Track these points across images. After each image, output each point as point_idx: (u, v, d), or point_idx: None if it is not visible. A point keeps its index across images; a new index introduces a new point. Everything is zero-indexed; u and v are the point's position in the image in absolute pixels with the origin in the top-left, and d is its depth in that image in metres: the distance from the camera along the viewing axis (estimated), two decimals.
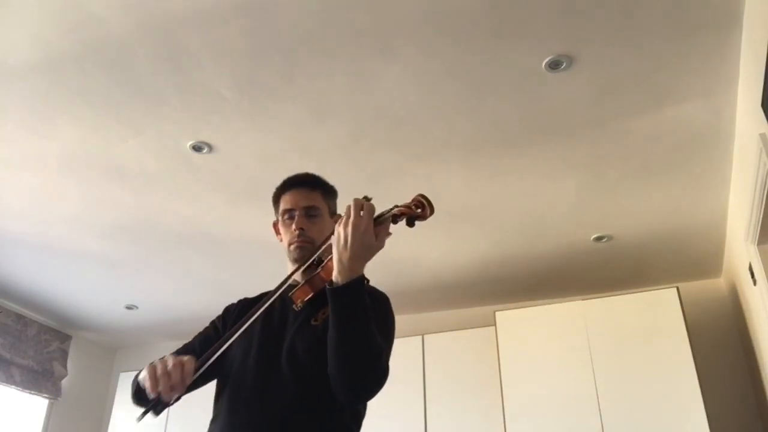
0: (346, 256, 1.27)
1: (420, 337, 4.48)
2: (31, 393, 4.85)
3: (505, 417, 3.86)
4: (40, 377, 4.94)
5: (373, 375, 1.29)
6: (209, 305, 4.88)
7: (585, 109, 2.77)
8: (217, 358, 1.34)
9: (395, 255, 4.06)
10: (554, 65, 2.49)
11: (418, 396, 4.30)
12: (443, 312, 4.95)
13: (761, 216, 2.66)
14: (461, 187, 3.35)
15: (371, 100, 2.70)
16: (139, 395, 1.37)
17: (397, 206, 1.37)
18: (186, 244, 3.92)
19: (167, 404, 1.24)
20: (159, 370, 1.24)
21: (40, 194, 3.41)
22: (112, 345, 5.80)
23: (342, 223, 1.30)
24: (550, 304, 4.26)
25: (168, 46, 2.42)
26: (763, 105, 2.18)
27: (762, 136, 2.29)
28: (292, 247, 1.56)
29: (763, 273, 2.87)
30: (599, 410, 3.70)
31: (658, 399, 3.61)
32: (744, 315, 3.88)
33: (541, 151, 3.07)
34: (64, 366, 5.21)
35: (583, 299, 4.09)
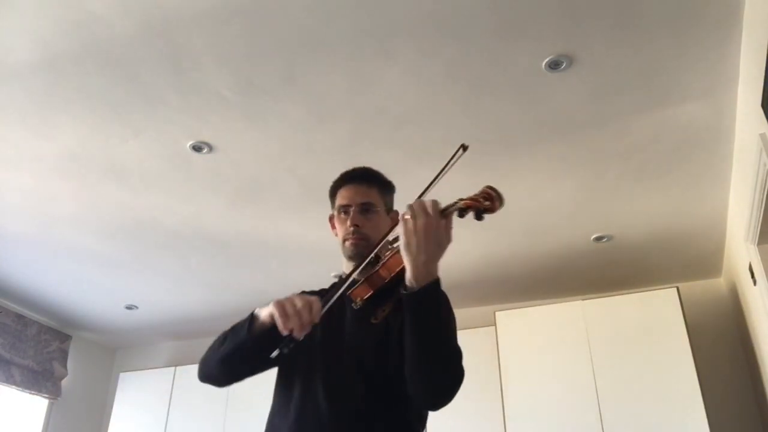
0: (421, 259, 1.24)
1: None
2: (31, 393, 4.85)
3: (505, 417, 3.86)
4: (40, 377, 4.94)
5: (455, 379, 1.27)
6: (209, 305, 4.91)
7: (585, 109, 2.77)
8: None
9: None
10: (554, 65, 2.49)
11: None
12: None
13: (761, 216, 2.66)
14: (462, 187, 3.34)
15: (371, 100, 2.70)
16: (247, 344, 1.37)
17: (461, 199, 1.33)
18: (186, 244, 3.92)
19: (296, 342, 1.25)
20: (290, 309, 1.24)
21: (41, 194, 3.41)
22: (112, 345, 5.80)
23: (411, 226, 1.25)
24: (550, 304, 4.26)
25: (168, 46, 2.42)
26: (763, 105, 2.18)
27: (762, 136, 2.29)
28: (347, 243, 1.53)
29: (763, 273, 2.87)
30: (599, 410, 3.70)
31: (658, 399, 3.60)
32: (744, 315, 3.88)
33: (541, 151, 3.07)
34: (64, 366, 5.21)
35: (583, 299, 4.09)
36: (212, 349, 1.48)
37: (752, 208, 2.75)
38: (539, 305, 4.29)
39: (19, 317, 4.82)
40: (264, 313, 1.35)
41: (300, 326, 1.23)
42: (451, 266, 4.26)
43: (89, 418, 5.40)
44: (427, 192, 1.40)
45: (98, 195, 3.41)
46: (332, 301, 1.34)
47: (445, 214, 1.29)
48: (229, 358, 1.43)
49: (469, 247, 4.01)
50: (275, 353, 1.27)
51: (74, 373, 5.33)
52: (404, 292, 1.25)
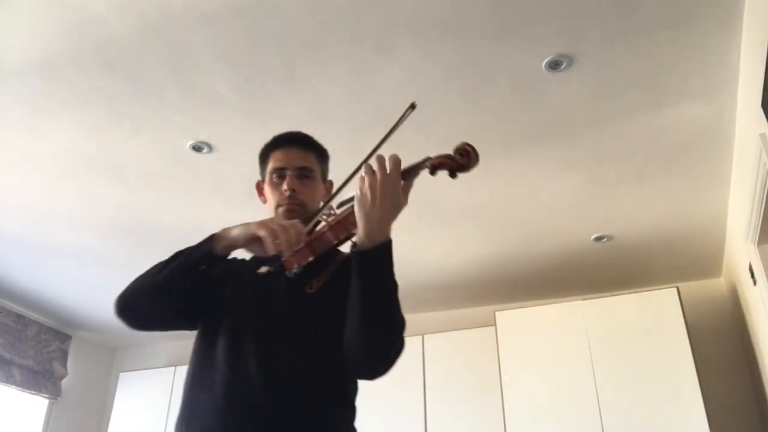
0: (375, 216, 1.17)
1: (420, 337, 4.47)
2: (31, 393, 4.85)
3: (505, 417, 3.86)
4: (40, 377, 4.94)
5: (398, 347, 1.21)
6: None
7: (585, 109, 2.77)
8: (212, 297, 1.30)
9: (395, 255, 4.06)
10: (554, 65, 2.49)
11: (418, 396, 4.30)
12: (443, 312, 4.94)
13: (761, 216, 2.66)
14: (461, 187, 3.35)
15: (371, 100, 2.70)
16: (209, 256, 1.32)
17: (429, 158, 1.26)
18: (186, 244, 3.91)
19: (282, 261, 1.22)
20: (276, 227, 1.22)
21: (40, 194, 3.41)
22: (112, 345, 5.79)
23: (368, 181, 1.19)
24: (550, 304, 4.26)
25: (168, 46, 2.42)
26: (763, 105, 2.18)
27: (762, 136, 2.29)
28: (281, 209, 1.43)
29: (763, 273, 2.87)
30: (599, 410, 3.70)
31: (658, 399, 3.60)
32: (744, 315, 3.88)
33: (541, 151, 3.07)
34: (64, 366, 5.21)
35: (583, 299, 4.09)
36: (146, 275, 1.37)
37: (752, 208, 2.75)
38: (539, 305, 4.29)
39: (19, 317, 4.82)
40: (237, 232, 1.29)
41: (288, 243, 1.20)
42: (451, 266, 4.27)
43: (89, 418, 5.40)
44: (372, 154, 1.32)
45: (98, 195, 3.41)
46: (312, 222, 1.30)
47: (407, 175, 1.24)
48: (171, 281, 1.32)
49: (469, 246, 4.01)
50: (264, 269, 1.24)
51: (74, 373, 5.33)
52: (354, 250, 1.19)
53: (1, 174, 3.23)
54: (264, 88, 2.64)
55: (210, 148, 3.02)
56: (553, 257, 4.14)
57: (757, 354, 3.64)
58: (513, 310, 4.21)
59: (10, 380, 4.64)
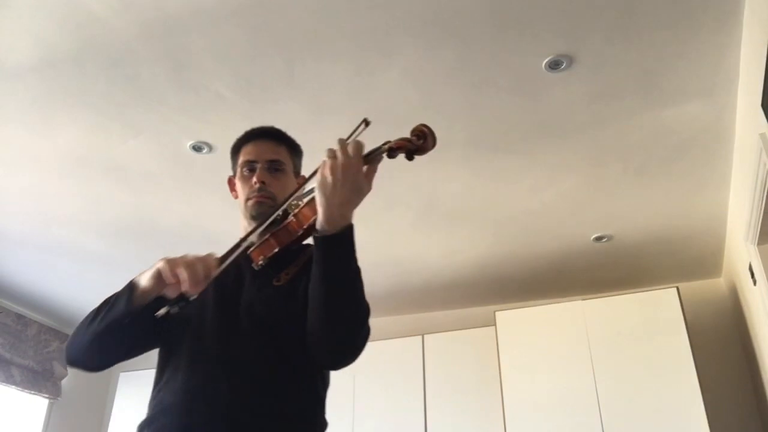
0: (336, 201, 1.13)
1: (420, 337, 4.47)
2: (31, 393, 4.85)
3: (505, 417, 3.86)
4: (40, 377, 4.94)
5: (363, 335, 1.17)
6: None
7: (585, 109, 2.77)
8: (166, 320, 1.17)
9: (395, 255, 4.06)
10: (554, 65, 2.49)
11: (418, 396, 4.30)
12: (443, 312, 4.94)
13: (761, 216, 2.66)
14: (461, 187, 3.35)
15: (371, 100, 2.70)
16: (131, 302, 1.21)
17: (388, 141, 1.24)
18: (186, 244, 3.91)
19: (187, 302, 1.11)
20: (181, 262, 1.11)
21: (40, 194, 3.41)
22: None
23: (329, 164, 1.16)
24: (550, 304, 4.26)
25: (168, 46, 2.42)
26: (763, 105, 2.18)
27: (762, 136, 2.29)
28: (250, 202, 1.40)
29: (763, 273, 2.87)
30: (599, 410, 3.70)
31: (658, 399, 3.60)
32: (744, 315, 3.88)
33: (541, 151, 3.07)
34: (64, 366, 5.20)
35: (583, 299, 4.09)
36: (82, 327, 1.31)
37: (752, 208, 2.75)
38: (539, 305, 4.29)
39: (19, 317, 4.82)
40: (146, 277, 1.20)
41: (193, 281, 1.09)
42: (451, 266, 4.27)
43: (89, 418, 5.40)
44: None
45: (98, 195, 3.41)
46: (232, 257, 1.19)
47: (369, 159, 1.20)
48: (103, 336, 1.26)
49: (469, 246, 4.01)
50: (162, 311, 1.12)
51: (74, 373, 5.32)
52: (316, 235, 1.16)
53: (1, 174, 3.23)
54: (264, 88, 2.64)
55: (210, 148, 3.02)
56: (553, 257, 4.14)
57: (757, 354, 3.64)
58: (513, 310, 4.21)
59: (10, 380, 4.64)
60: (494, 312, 4.20)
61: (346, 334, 1.16)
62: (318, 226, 1.16)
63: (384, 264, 4.15)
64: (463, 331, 4.47)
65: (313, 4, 2.24)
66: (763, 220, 2.68)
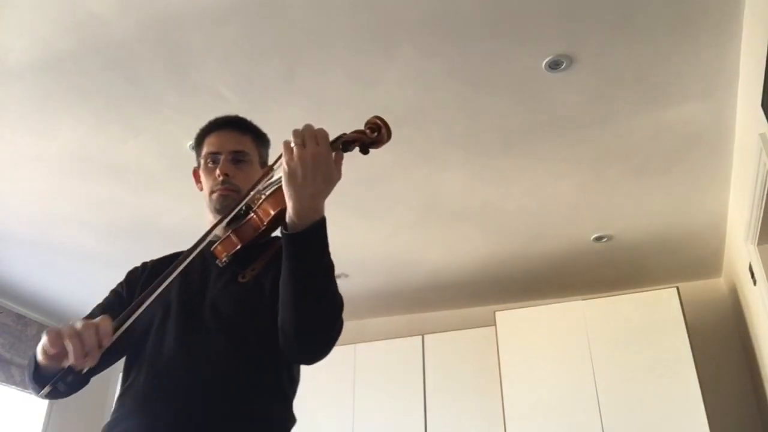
0: (307, 192, 1.07)
1: (420, 337, 4.47)
2: (31, 393, 4.85)
3: (505, 417, 3.86)
4: None
5: (335, 331, 1.12)
6: None
7: (585, 109, 2.77)
8: (127, 327, 1.08)
9: (395, 255, 4.06)
10: (554, 65, 2.49)
11: (418, 396, 4.30)
12: (443, 312, 4.94)
13: (761, 216, 2.66)
14: (461, 187, 3.35)
15: (371, 100, 2.70)
16: (38, 372, 1.12)
17: (344, 134, 1.20)
18: (186, 244, 3.90)
19: (78, 375, 0.98)
20: (67, 333, 0.97)
21: (40, 194, 3.41)
22: None
23: (295, 155, 1.10)
24: (550, 304, 4.26)
25: (168, 46, 2.42)
26: (763, 105, 2.18)
27: (762, 136, 2.29)
28: (214, 195, 1.35)
29: (763, 273, 2.87)
30: (599, 410, 3.70)
31: (658, 399, 3.60)
32: (744, 315, 3.88)
33: (541, 151, 3.07)
34: None
35: (583, 299, 4.09)
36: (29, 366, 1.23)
37: (752, 208, 2.75)
38: (539, 305, 4.29)
39: (19, 317, 4.82)
40: (38, 351, 1.07)
41: (81, 354, 0.95)
42: (451, 266, 4.27)
43: (89, 418, 5.40)
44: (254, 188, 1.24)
45: (98, 195, 3.41)
46: (136, 314, 1.06)
47: (334, 146, 1.15)
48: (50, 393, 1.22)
49: (469, 247, 4.01)
50: (45, 390, 0.99)
51: None
52: (285, 231, 1.10)
53: (1, 174, 3.23)
54: (264, 88, 2.64)
55: None
56: (553, 257, 4.14)
57: (757, 354, 3.64)
58: (513, 310, 4.21)
59: (10, 380, 4.64)
60: (494, 312, 4.20)
61: (318, 331, 1.11)
62: (288, 220, 1.09)
63: (384, 264, 4.15)
64: (463, 331, 4.47)
65: (313, 5, 2.24)
66: (763, 220, 2.68)
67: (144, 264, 1.45)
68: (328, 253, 1.11)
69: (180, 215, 3.61)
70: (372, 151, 1.21)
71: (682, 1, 2.21)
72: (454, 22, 2.31)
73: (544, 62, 2.48)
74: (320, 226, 1.09)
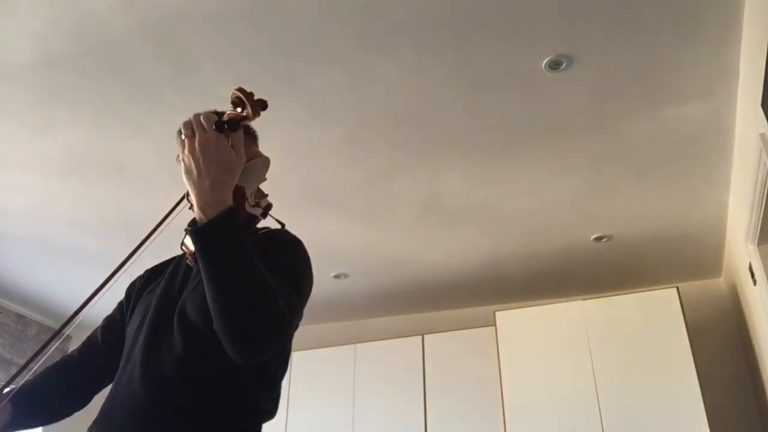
0: (206, 185, 1.03)
1: (420, 337, 4.48)
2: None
3: (505, 417, 3.86)
4: None
5: (267, 325, 1.01)
6: None
7: (585, 109, 2.77)
8: (119, 333, 1.15)
9: (395, 255, 4.06)
10: (554, 65, 2.49)
11: (418, 396, 4.30)
12: (443, 312, 4.94)
13: (761, 216, 2.66)
14: (461, 187, 3.35)
15: (371, 100, 2.70)
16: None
17: (224, 112, 1.15)
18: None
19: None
20: None
21: (40, 194, 3.41)
22: None
23: (186, 147, 1.05)
24: (550, 304, 4.26)
25: (168, 46, 2.42)
26: (763, 105, 2.18)
27: (762, 136, 2.29)
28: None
29: (763, 273, 2.87)
30: (599, 410, 3.70)
31: (658, 399, 3.61)
32: (744, 315, 3.88)
33: (541, 151, 3.07)
34: None
35: (583, 299, 4.09)
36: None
37: (752, 208, 2.75)
38: (539, 305, 4.29)
39: (19, 317, 4.82)
40: None
41: None
42: (451, 266, 4.27)
43: (89, 418, 5.40)
44: (154, 234, 1.19)
45: (98, 195, 3.41)
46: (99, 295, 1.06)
47: (221, 130, 1.06)
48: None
49: (469, 247, 4.01)
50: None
51: None
52: (189, 228, 1.05)
53: (1, 174, 3.23)
54: (264, 88, 2.64)
55: None
56: (553, 257, 4.14)
57: (757, 354, 3.64)
58: (513, 310, 4.21)
59: None
60: (494, 312, 4.20)
61: (243, 328, 1.01)
62: (196, 216, 1.05)
63: (384, 264, 4.14)
64: (463, 331, 4.47)
65: (313, 5, 2.24)
66: (763, 220, 2.68)
67: (145, 272, 1.48)
68: (239, 243, 1.02)
69: (180, 215, 3.61)
70: (257, 118, 1.11)
71: (682, 1, 2.21)
72: (454, 22, 2.31)
73: (544, 62, 2.48)
74: (223, 217, 1.01)
